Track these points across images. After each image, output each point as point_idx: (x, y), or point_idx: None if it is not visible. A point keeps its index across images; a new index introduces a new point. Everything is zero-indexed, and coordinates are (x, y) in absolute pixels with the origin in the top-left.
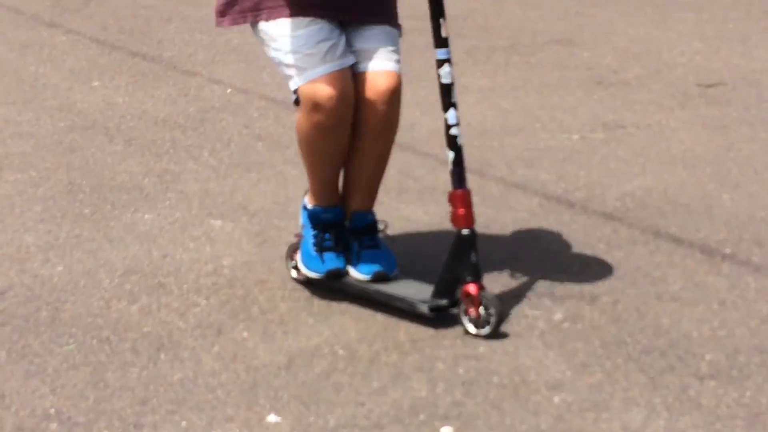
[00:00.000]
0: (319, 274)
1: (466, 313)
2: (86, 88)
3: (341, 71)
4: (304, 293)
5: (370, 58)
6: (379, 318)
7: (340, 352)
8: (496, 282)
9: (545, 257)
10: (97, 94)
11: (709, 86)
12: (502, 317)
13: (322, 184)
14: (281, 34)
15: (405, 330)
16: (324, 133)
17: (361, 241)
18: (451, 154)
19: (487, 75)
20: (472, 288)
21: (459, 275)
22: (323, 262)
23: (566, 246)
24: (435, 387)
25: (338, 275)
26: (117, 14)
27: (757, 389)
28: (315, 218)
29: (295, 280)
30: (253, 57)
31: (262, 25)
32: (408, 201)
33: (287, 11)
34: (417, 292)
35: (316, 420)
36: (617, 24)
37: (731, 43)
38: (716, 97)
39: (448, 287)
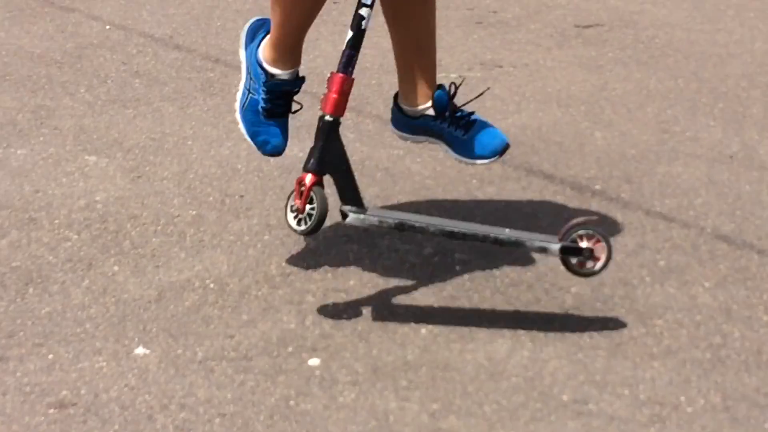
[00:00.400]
0: (259, 149)
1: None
2: None
3: None
4: (176, 228)
5: None
6: (251, 252)
7: (211, 285)
8: None
9: (417, 193)
10: None
11: (586, 27)
12: (322, 218)
13: (291, 36)
14: None
15: (276, 264)
16: None
17: (457, 122)
18: (349, 34)
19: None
20: (304, 177)
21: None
22: (267, 135)
23: (439, 182)
24: (304, 320)
25: (279, 153)
26: None
27: (619, 321)
28: (275, 88)
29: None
30: None
31: None
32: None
33: None
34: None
35: (184, 352)
36: None
37: None
38: (593, 38)
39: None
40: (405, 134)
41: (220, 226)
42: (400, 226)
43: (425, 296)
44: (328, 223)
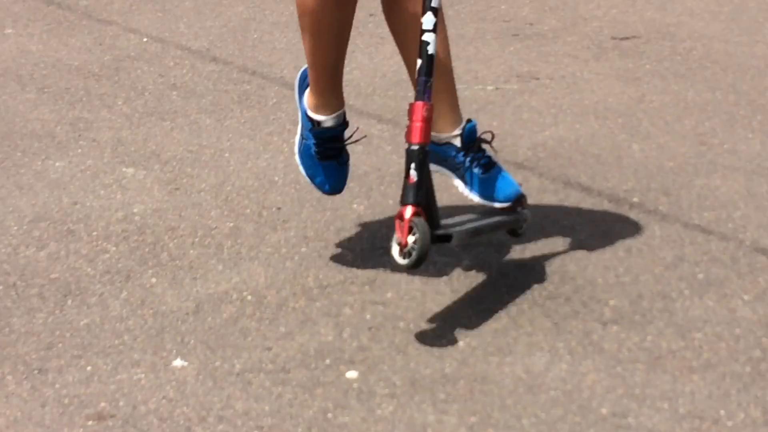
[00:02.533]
0: (321, 190)
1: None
2: None
3: None
4: (214, 240)
5: None
6: (288, 264)
7: (249, 297)
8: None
9: (457, 205)
10: (10, 42)
11: (623, 39)
12: (425, 248)
13: (327, 77)
14: None
15: (314, 276)
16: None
17: (479, 160)
18: (419, 62)
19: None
20: (404, 211)
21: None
22: (327, 176)
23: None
24: (341, 332)
25: (337, 193)
26: None
27: (658, 334)
28: (319, 135)
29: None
30: (170, 6)
31: None
32: None
33: None
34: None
35: (222, 364)
36: None
37: None
38: (630, 50)
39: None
40: None
41: (257, 239)
42: (478, 232)
43: (463, 309)
44: (365, 235)
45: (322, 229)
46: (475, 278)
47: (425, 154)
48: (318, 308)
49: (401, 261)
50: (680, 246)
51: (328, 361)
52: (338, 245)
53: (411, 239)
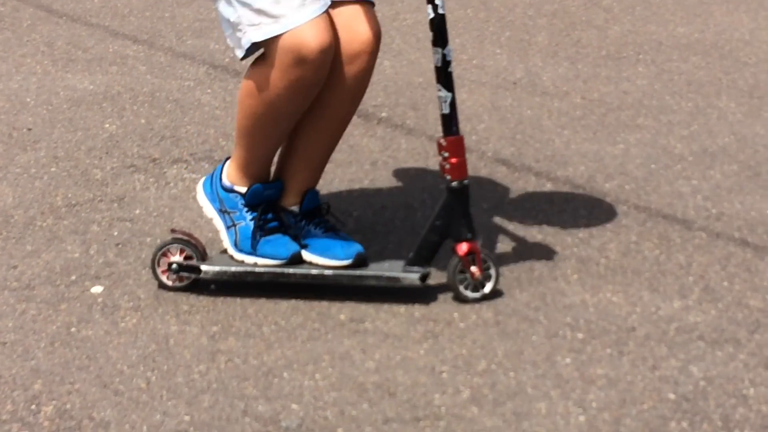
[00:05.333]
0: (279, 260)
1: (466, 273)
2: None
3: (323, 14)
4: None
5: None
6: (37, 184)
7: None
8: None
9: (207, 123)
10: None
11: None
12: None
13: (266, 156)
14: None
15: (62, 195)
16: (302, 91)
17: (318, 223)
18: (447, 96)
19: None
20: (472, 246)
21: (453, 234)
22: (278, 246)
23: (230, 112)
24: (88, 249)
25: (299, 259)
26: None
27: (398, 242)
28: (256, 197)
29: (202, 280)
30: None
31: None
32: (76, 71)
33: None
34: (389, 265)
35: None
36: None
37: None
38: None
39: (431, 250)
40: None
41: (6, 159)
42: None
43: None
44: (116, 153)
45: (72, 148)
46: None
47: (468, 188)
48: (65, 226)
49: (477, 295)
50: (424, 158)
51: (73, 278)
52: (89, 165)
53: (485, 269)
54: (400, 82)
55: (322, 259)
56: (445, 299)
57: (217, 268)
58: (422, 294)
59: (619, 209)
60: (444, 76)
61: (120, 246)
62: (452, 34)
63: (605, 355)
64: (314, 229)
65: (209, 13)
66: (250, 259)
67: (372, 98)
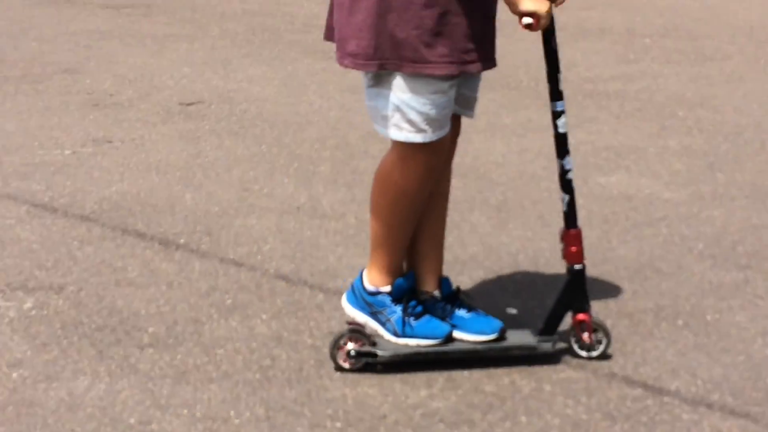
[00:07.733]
0: (437, 339)
1: (579, 338)
2: None
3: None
4: None
5: (470, 107)
6: None
7: None
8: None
9: (24, 256)
10: None
11: (189, 104)
12: (610, 337)
13: (401, 252)
14: (417, 92)
15: None
16: (433, 175)
17: (459, 305)
18: (566, 197)
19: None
20: (586, 316)
21: (573, 307)
22: (432, 328)
23: (46, 246)
24: None
25: (451, 338)
26: None
27: (186, 352)
28: (401, 291)
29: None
30: None
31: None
32: None
33: (446, 67)
34: (522, 335)
35: None
36: (119, 54)
37: (215, 67)
38: (194, 113)
39: (556, 321)
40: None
41: None
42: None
43: (19, 345)
44: None
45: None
46: (34, 318)
47: (584, 270)
48: None
49: (592, 353)
50: (215, 277)
51: None
52: None
53: (596, 335)
54: (198, 211)
55: (473, 336)
56: (224, 399)
57: (391, 352)
58: (205, 395)
59: None
60: (563, 181)
61: None
62: (247, 168)
63: None
64: (458, 310)
65: (34, 158)
66: (413, 342)
67: (173, 227)
